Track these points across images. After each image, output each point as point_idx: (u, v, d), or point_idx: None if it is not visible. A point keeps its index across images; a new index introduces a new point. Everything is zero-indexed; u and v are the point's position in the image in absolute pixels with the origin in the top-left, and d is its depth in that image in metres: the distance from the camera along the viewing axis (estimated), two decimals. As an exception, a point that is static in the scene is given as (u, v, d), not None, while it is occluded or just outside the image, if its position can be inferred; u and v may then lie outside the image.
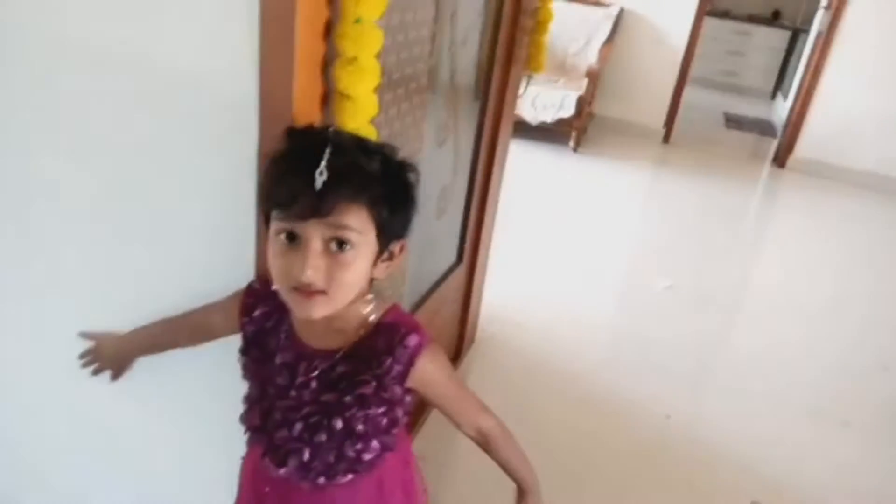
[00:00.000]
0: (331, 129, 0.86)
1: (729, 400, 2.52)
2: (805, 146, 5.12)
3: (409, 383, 0.93)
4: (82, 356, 1.23)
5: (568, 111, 4.60)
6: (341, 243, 0.81)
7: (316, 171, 0.78)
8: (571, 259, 3.41)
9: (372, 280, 0.91)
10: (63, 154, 1.17)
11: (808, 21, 6.43)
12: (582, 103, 4.62)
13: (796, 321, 3.14)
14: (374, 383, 0.91)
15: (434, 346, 0.94)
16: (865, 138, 4.89)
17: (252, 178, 1.04)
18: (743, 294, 3.50)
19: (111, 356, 1.21)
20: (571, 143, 4.82)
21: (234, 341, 1.05)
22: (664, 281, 3.28)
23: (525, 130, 4.47)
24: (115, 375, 1.22)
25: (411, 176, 0.89)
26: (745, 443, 2.29)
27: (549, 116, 4.61)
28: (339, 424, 0.92)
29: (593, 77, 4.74)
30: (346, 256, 0.82)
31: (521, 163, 3.29)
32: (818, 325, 3.14)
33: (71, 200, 1.20)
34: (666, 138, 5.39)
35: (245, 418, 1.01)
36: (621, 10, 5.08)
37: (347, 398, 0.91)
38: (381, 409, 0.93)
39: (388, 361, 0.90)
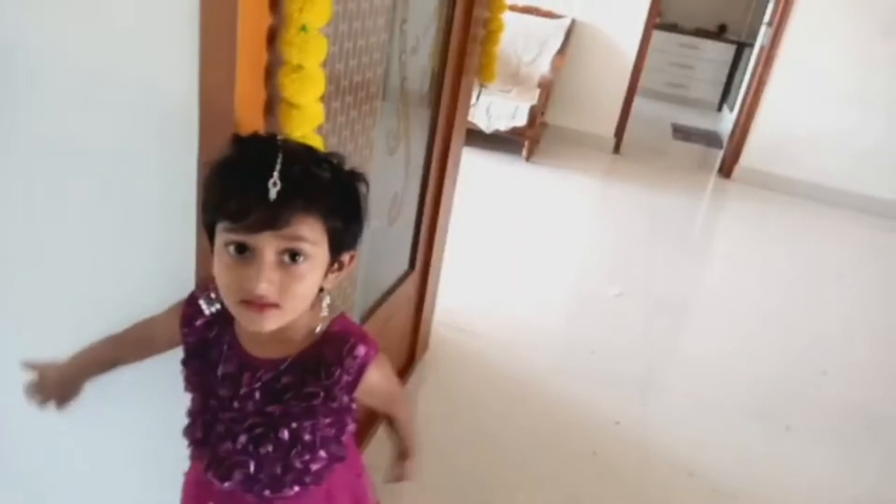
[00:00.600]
0: (279, 138, 0.83)
1: (677, 405, 2.57)
2: (750, 157, 5.27)
3: (357, 393, 0.92)
4: (26, 391, 1.13)
5: (521, 120, 4.65)
6: (294, 255, 0.79)
7: (269, 181, 0.75)
8: (524, 267, 3.44)
9: (321, 290, 0.89)
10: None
11: (753, 35, 6.64)
12: (534, 113, 4.67)
13: (740, 328, 3.22)
14: (322, 393, 0.89)
15: (382, 356, 0.94)
16: (807, 150, 5.05)
17: (192, 186, 1.01)
18: (690, 301, 3.58)
19: (56, 384, 1.12)
20: (524, 153, 4.87)
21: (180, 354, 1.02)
22: (614, 289, 3.33)
23: (479, 139, 4.50)
24: (61, 404, 1.12)
25: (361, 186, 0.87)
26: (693, 447, 2.34)
27: (502, 125, 4.65)
28: (285, 435, 0.90)
29: (546, 87, 4.80)
30: (300, 268, 0.80)
31: (474, 171, 3.31)
32: (761, 331, 3.22)
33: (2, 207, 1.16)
34: (616, 148, 5.48)
35: (187, 432, 0.98)
36: (573, 22, 5.16)
37: (294, 409, 0.89)
38: (329, 420, 0.92)
39: (338, 372, 0.89)
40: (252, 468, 0.92)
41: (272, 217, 0.76)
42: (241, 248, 0.79)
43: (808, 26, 4.85)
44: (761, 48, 5.35)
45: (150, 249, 1.10)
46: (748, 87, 5.49)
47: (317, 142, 1.07)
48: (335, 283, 0.90)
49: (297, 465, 0.92)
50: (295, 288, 0.80)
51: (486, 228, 3.70)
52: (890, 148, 4.90)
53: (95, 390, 1.20)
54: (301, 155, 0.82)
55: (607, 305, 3.21)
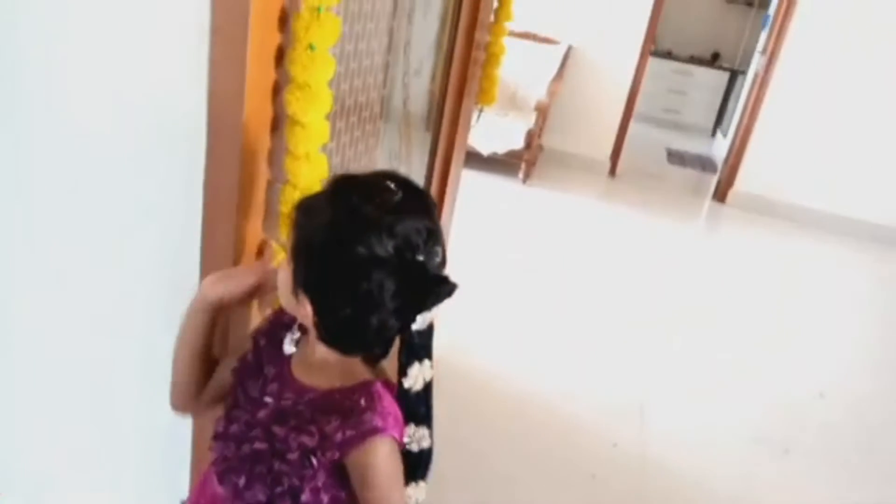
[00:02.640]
0: (374, 177, 0.85)
1: (675, 428, 2.56)
2: (744, 182, 5.31)
3: (348, 459, 0.85)
4: None
5: (518, 143, 4.68)
6: None
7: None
8: (522, 288, 3.44)
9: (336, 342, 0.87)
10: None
11: (746, 63, 6.73)
12: (531, 136, 4.71)
13: (737, 351, 3.23)
14: (317, 437, 0.85)
15: (391, 444, 0.87)
16: (800, 175, 5.10)
17: (198, 198, 1.02)
18: (687, 324, 3.58)
19: None
20: (521, 175, 4.89)
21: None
22: (610, 312, 3.33)
23: (476, 161, 4.52)
24: None
25: (350, 250, 0.79)
26: (692, 470, 2.33)
27: (499, 148, 4.68)
28: (276, 465, 0.87)
29: (542, 111, 4.85)
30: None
31: (472, 192, 3.32)
32: (758, 354, 3.23)
33: (6, 221, 1.16)
34: (612, 172, 5.52)
35: (216, 423, 0.97)
36: (569, 48, 5.22)
37: (291, 441, 0.86)
38: (321, 481, 0.86)
39: (339, 424, 0.84)
40: (242, 483, 0.90)
41: None
42: None
43: (801, 54, 4.92)
44: (755, 75, 5.42)
45: (155, 259, 1.11)
46: (742, 113, 5.54)
47: (321, 161, 1.08)
48: (299, 315, 0.87)
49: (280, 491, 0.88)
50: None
51: (485, 249, 3.71)
52: (882, 173, 4.95)
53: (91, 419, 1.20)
54: (334, 191, 0.85)
55: (603, 328, 3.21)
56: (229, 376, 0.97)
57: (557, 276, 3.73)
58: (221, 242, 1.05)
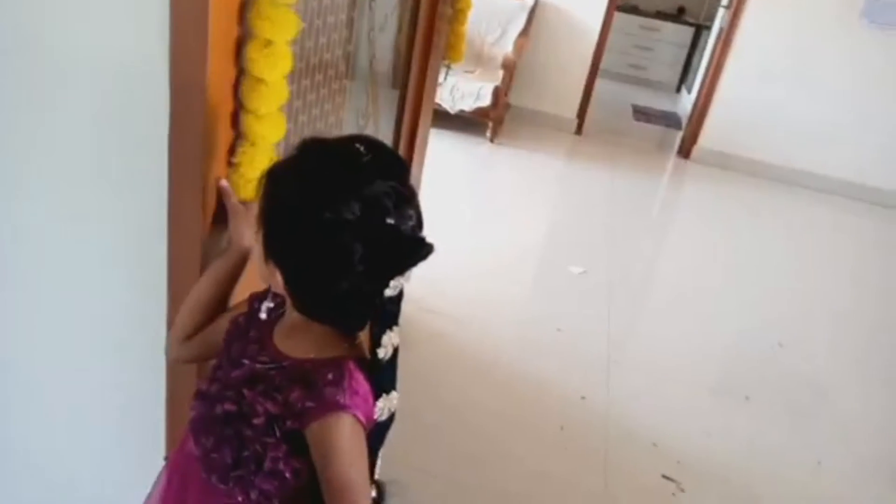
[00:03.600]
0: (334, 141, 0.85)
1: (640, 379, 2.63)
2: (708, 138, 5.37)
3: (310, 432, 0.84)
4: None
5: (485, 101, 4.65)
6: None
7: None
8: (489, 246, 3.46)
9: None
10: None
11: (711, 18, 6.74)
12: (498, 93, 4.68)
13: (700, 304, 3.31)
14: (280, 404, 0.85)
15: (353, 423, 0.84)
16: (764, 130, 5.17)
17: (163, 156, 1.00)
18: (651, 279, 3.66)
19: None
20: (488, 134, 4.88)
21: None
22: (578, 268, 3.38)
23: (443, 120, 4.48)
24: None
25: (319, 215, 0.79)
26: (657, 419, 2.40)
27: (466, 105, 4.64)
28: (244, 430, 0.87)
29: (509, 68, 4.81)
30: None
31: (440, 151, 3.30)
32: (720, 307, 3.31)
33: None
34: (578, 129, 5.52)
35: (199, 382, 0.98)
36: (536, 2, 5.17)
37: (258, 405, 0.86)
38: (276, 447, 0.85)
39: (299, 393, 0.84)
40: (211, 443, 0.90)
41: None
42: None
43: (765, 9, 4.94)
44: (719, 30, 5.43)
45: (117, 220, 1.09)
46: (707, 69, 5.57)
47: (280, 121, 1.06)
48: (266, 280, 0.88)
49: (243, 471, 0.88)
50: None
51: (452, 208, 3.71)
52: (842, 128, 5.04)
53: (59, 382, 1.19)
54: (294, 162, 0.84)
55: (572, 284, 3.26)
56: (220, 332, 0.97)
57: (525, 234, 3.76)
58: (189, 203, 1.03)
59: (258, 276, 0.90)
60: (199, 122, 0.95)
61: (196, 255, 1.05)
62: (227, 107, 1.00)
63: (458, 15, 2.10)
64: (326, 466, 0.84)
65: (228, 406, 0.89)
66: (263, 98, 1.01)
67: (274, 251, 0.84)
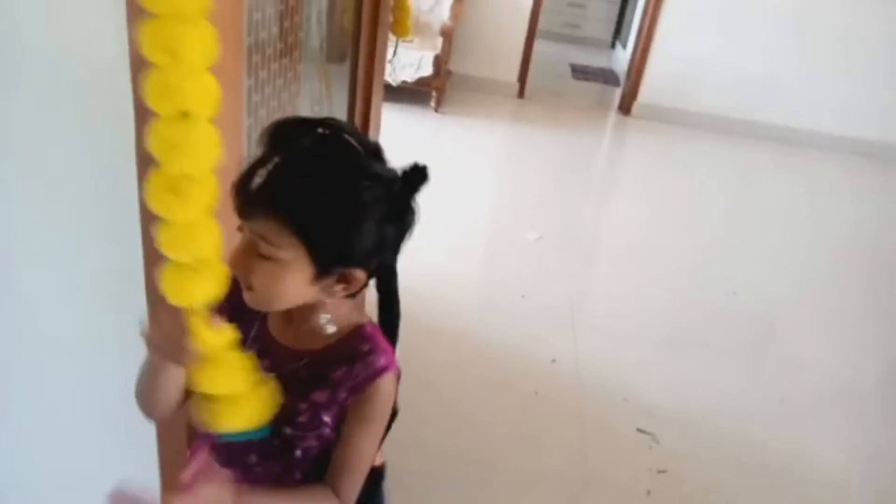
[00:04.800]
0: (320, 130, 0.80)
1: (605, 338, 2.69)
2: (647, 93, 5.45)
3: (358, 399, 0.87)
4: None
5: (426, 70, 4.61)
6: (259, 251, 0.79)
7: (259, 170, 0.76)
8: (442, 219, 3.44)
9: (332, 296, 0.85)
10: None
11: (640, -28, 6.78)
12: (439, 62, 4.64)
13: (653, 257, 3.40)
14: (327, 390, 0.87)
15: (394, 378, 0.90)
16: (702, 82, 5.28)
17: (131, 157, 0.96)
18: (604, 238, 3.73)
19: None
20: (433, 103, 4.84)
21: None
22: (533, 234, 3.41)
23: (387, 93, 4.40)
24: None
25: (373, 207, 0.80)
26: (624, 375, 2.47)
27: (408, 76, 4.60)
28: (288, 432, 0.88)
29: (448, 35, 4.77)
30: (266, 264, 0.78)
31: (385, 125, 3.26)
32: (673, 259, 3.41)
33: None
34: (521, 93, 5.54)
35: None
36: (468, -33, 5.11)
37: (298, 404, 0.87)
38: (321, 427, 0.88)
39: (344, 371, 0.87)
40: (253, 459, 0.90)
41: (244, 206, 0.77)
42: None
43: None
44: (651, -16, 5.48)
45: (88, 221, 1.05)
46: (641, 23, 5.63)
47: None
48: (343, 296, 0.85)
49: (298, 455, 0.90)
50: (260, 279, 0.79)
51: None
52: (775, 76, 5.19)
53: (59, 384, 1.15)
54: (307, 158, 0.78)
55: (529, 250, 3.29)
56: None
57: (478, 203, 3.77)
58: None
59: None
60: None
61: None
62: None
63: (403, -13, 2.06)
64: (360, 424, 0.88)
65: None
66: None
67: (341, 258, 0.80)
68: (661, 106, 5.39)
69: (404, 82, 4.60)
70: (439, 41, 4.73)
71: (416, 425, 2.07)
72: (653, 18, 5.27)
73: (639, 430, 2.23)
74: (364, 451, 0.89)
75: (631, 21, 6.85)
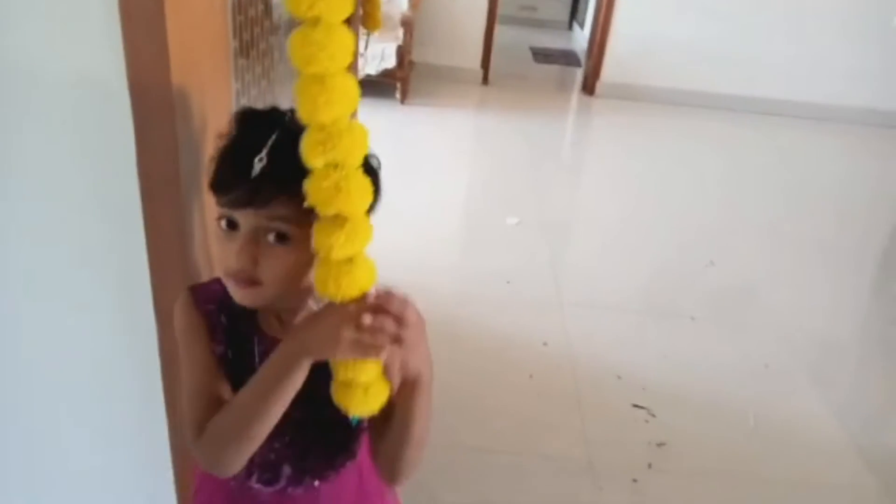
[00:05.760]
0: (287, 115, 0.79)
1: (592, 317, 2.72)
2: (609, 71, 5.50)
3: None
4: None
5: (389, 62, 4.58)
6: (280, 236, 0.77)
7: (256, 157, 0.73)
8: (420, 211, 3.44)
9: None
10: None
11: (593, -48, 6.81)
12: (402, 53, 4.61)
13: (630, 234, 3.44)
14: None
15: None
16: (662, 57, 5.34)
17: (132, 172, 0.94)
18: (580, 217, 3.76)
19: None
20: (398, 95, 4.82)
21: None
22: (513, 218, 3.43)
23: (351, 87, 4.39)
24: None
25: (375, 173, 0.82)
26: (615, 352, 2.51)
27: (372, 69, 4.56)
28: (327, 414, 0.86)
29: (408, 25, 4.73)
30: (280, 249, 0.77)
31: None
32: (649, 234, 3.45)
33: None
34: (485, 79, 5.54)
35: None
36: (424, -45, 5.08)
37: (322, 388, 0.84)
38: None
39: None
40: (300, 458, 0.90)
41: (252, 194, 0.75)
42: (231, 223, 0.78)
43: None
44: (606, -37, 5.51)
45: (93, 240, 1.02)
46: (598, 5, 5.66)
47: None
48: None
49: (340, 441, 0.91)
50: (273, 267, 0.78)
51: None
52: (731, 46, 5.27)
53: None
54: (299, 135, 0.76)
55: (510, 235, 3.31)
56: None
57: (455, 192, 3.78)
58: (166, 223, 0.98)
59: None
60: (169, 129, 0.90)
61: (177, 275, 1.00)
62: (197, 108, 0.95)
63: (372, -19, 2.04)
64: None
65: (298, 416, 0.83)
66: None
67: None
68: (624, 83, 5.44)
69: (368, 75, 4.56)
70: (400, 32, 4.70)
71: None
72: (609, -2, 5.30)
73: (634, 405, 2.26)
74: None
75: (587, 1, 6.89)
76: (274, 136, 0.74)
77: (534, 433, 2.13)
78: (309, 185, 0.70)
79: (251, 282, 0.78)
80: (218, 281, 0.85)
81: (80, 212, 0.99)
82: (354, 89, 0.71)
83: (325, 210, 0.70)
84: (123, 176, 0.94)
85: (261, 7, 1.32)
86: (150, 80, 0.86)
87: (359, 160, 0.72)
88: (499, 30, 5.58)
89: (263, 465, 0.90)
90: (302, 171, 0.72)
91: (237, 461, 0.80)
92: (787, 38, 5.22)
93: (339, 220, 0.71)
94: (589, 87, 5.64)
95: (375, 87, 4.68)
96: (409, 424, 0.82)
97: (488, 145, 4.64)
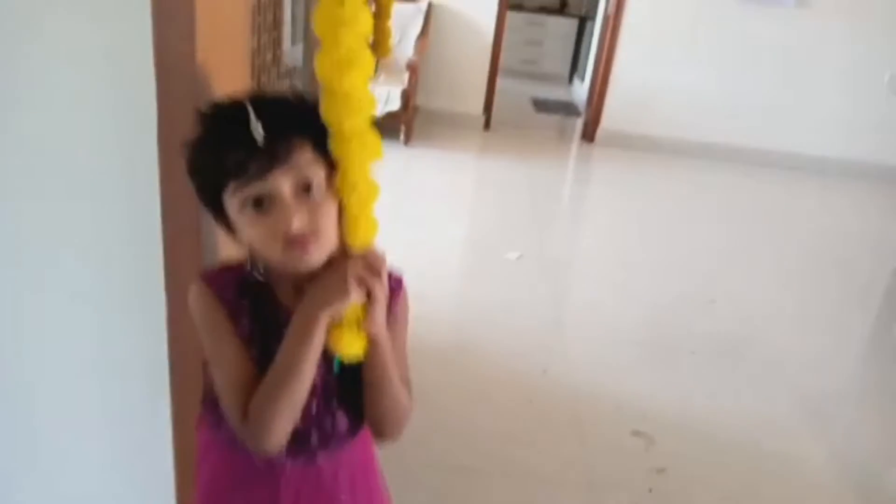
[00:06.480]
0: (245, 95, 0.83)
1: (593, 349, 2.72)
2: (608, 121, 5.62)
3: (395, 305, 0.93)
4: None
5: (394, 105, 4.69)
6: (306, 187, 0.80)
7: (251, 128, 0.77)
8: (425, 245, 3.48)
9: None
10: None
11: (593, 8, 7.05)
12: (407, 97, 4.73)
13: (629, 270, 3.47)
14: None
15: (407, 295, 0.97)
16: (661, 107, 5.47)
17: (154, 167, 0.97)
18: (582, 256, 3.79)
19: None
20: (402, 137, 4.92)
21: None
22: (514, 253, 3.46)
23: (356, 127, 4.48)
24: None
25: None
26: (615, 382, 2.50)
27: (378, 111, 4.66)
28: (350, 377, 0.90)
29: (413, 70, 4.87)
30: (315, 198, 0.81)
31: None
32: (648, 271, 3.48)
33: None
34: (486, 126, 5.66)
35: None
36: (430, 5, 5.26)
37: None
38: None
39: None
40: (330, 425, 0.92)
41: (270, 156, 0.78)
42: (258, 203, 0.79)
43: (645, -7, 5.25)
44: (606, 17, 5.70)
45: (111, 223, 1.04)
46: (597, 57, 5.83)
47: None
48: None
49: (361, 402, 0.93)
50: (320, 216, 0.81)
51: (381, 216, 3.71)
52: (730, 97, 5.41)
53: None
54: (268, 97, 0.83)
55: (511, 268, 3.33)
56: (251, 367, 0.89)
57: (457, 230, 3.82)
58: (183, 214, 1.01)
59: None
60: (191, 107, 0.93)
61: (194, 250, 1.02)
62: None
63: (381, 11, 2.12)
64: (402, 331, 0.97)
65: (328, 389, 0.91)
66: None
67: None
68: (624, 132, 5.56)
69: (373, 117, 4.66)
70: (405, 76, 4.82)
71: (415, 442, 2.06)
72: (609, 50, 5.46)
73: (634, 432, 2.25)
74: (406, 350, 0.99)
75: (587, 56, 7.09)
76: (249, 104, 0.78)
77: (533, 456, 2.11)
78: (318, 62, 0.78)
79: (314, 236, 0.80)
80: (228, 268, 0.89)
81: (98, 203, 1.02)
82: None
83: (332, 84, 0.78)
84: (145, 157, 0.97)
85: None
86: (175, 61, 0.91)
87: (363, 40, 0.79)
88: (500, 81, 5.74)
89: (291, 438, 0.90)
90: (291, 116, 0.80)
91: (283, 431, 0.84)
92: (786, 89, 5.36)
93: (345, 97, 0.79)
94: (588, 136, 5.76)
95: (380, 128, 4.73)
96: (380, 378, 0.89)
97: (491, 186, 4.71)
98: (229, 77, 1.07)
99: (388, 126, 4.82)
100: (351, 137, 0.81)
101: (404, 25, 5.11)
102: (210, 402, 0.93)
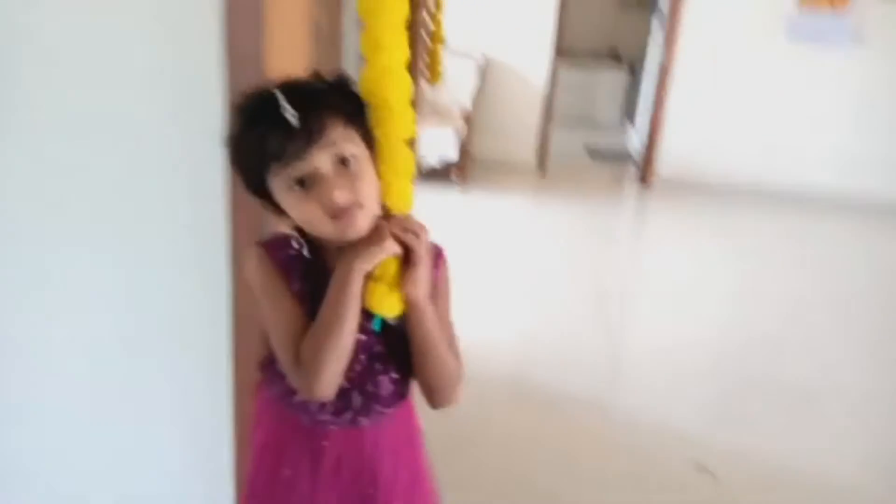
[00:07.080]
0: (269, 83, 0.89)
1: (656, 383, 2.69)
2: (663, 165, 5.61)
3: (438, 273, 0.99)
4: None
5: (451, 155, 4.81)
6: (343, 160, 0.86)
7: (284, 114, 0.82)
8: (485, 286, 3.49)
9: None
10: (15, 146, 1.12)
11: (642, 57, 7.11)
12: (462, 145, 4.84)
13: (690, 308, 3.42)
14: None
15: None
16: (712, 151, 5.45)
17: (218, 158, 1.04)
18: (642, 296, 3.74)
19: None
20: (456, 181, 5.01)
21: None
22: (573, 294, 3.45)
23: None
24: None
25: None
26: (676, 417, 2.48)
27: (434, 161, 4.79)
28: (394, 341, 0.95)
29: (468, 120, 4.99)
30: (353, 169, 0.86)
31: (415, 206, 3.40)
32: (711, 310, 3.42)
33: (24, 190, 1.15)
34: (541, 172, 5.72)
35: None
36: (485, 58, 5.43)
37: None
38: None
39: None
40: (368, 387, 0.96)
41: (307, 136, 0.83)
42: (301, 182, 0.85)
43: (696, 40, 5.29)
44: (660, 66, 5.74)
45: (178, 220, 1.13)
46: (654, 104, 5.85)
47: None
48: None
49: (406, 369, 0.98)
50: (361, 186, 0.87)
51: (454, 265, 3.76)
52: (781, 138, 5.34)
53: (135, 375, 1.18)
54: (295, 82, 0.89)
55: (570, 309, 3.33)
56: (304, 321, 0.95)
57: (514, 269, 3.84)
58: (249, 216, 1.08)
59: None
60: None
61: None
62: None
63: (434, 36, 2.20)
64: (446, 298, 1.02)
65: (377, 349, 0.96)
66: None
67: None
68: (677, 178, 5.53)
69: (431, 167, 4.79)
70: (461, 125, 4.94)
71: (475, 469, 2.05)
72: (660, 97, 5.49)
73: (697, 466, 2.19)
74: (450, 318, 1.03)
75: (637, 102, 7.12)
76: (279, 93, 0.84)
77: (595, 486, 2.08)
78: (361, 40, 0.87)
79: (357, 205, 0.86)
80: (284, 237, 0.96)
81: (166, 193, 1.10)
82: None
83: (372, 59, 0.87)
84: (212, 149, 1.04)
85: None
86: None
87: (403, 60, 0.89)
88: (554, 129, 5.80)
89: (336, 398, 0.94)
90: (320, 96, 0.85)
91: (332, 375, 0.89)
92: (841, 128, 5.26)
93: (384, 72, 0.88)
94: (645, 181, 5.74)
95: (435, 174, 4.88)
96: (424, 343, 0.95)
97: (547, 229, 4.73)
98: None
99: (443, 174, 4.92)
100: (389, 110, 0.89)
101: (461, 78, 5.25)
102: (265, 362, 0.99)
